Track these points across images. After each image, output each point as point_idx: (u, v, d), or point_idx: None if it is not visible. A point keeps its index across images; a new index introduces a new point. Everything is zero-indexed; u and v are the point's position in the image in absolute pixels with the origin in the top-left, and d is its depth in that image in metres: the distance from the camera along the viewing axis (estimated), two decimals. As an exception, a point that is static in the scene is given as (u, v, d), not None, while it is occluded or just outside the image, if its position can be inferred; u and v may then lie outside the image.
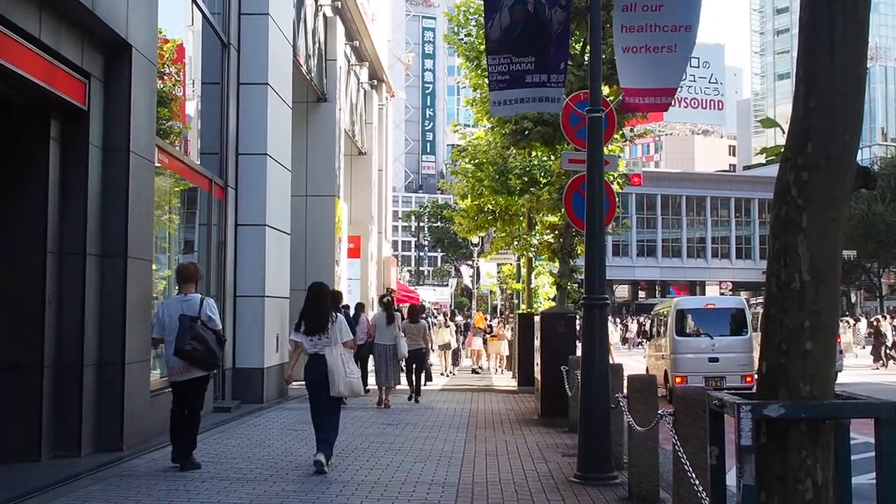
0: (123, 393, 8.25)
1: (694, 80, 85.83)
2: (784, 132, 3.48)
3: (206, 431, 9.25)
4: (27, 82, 7.06)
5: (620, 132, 15.75)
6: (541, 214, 17.59)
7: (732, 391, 3.66)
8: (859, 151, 3.48)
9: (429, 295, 58.20)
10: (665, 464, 6.77)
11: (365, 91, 24.16)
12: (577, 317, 12.02)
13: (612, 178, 14.73)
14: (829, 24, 3.31)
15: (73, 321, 7.93)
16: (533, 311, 17.90)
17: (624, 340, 43.78)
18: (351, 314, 14.16)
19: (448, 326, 23.89)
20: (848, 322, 34.29)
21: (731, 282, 58.50)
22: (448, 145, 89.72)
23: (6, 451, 7.43)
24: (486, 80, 11.06)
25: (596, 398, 7.39)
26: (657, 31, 7.42)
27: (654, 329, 18.08)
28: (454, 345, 23.75)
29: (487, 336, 24.58)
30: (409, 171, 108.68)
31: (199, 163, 11.83)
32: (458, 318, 31.63)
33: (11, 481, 6.72)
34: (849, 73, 3.31)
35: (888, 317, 31.10)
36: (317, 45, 17.66)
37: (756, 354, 8.18)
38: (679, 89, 8.40)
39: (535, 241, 17.96)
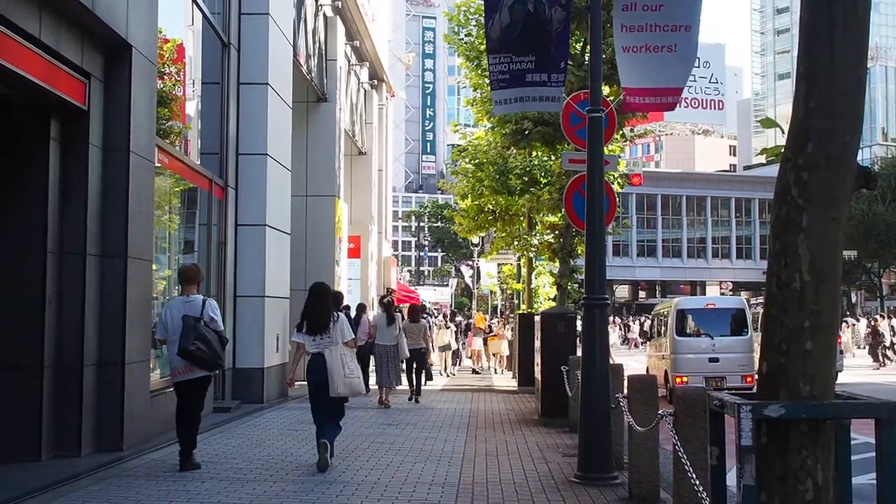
0: (123, 393, 8.25)
1: (694, 80, 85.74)
2: (784, 132, 3.48)
3: (206, 431, 9.25)
4: (27, 82, 7.06)
5: (621, 132, 15.74)
6: (541, 214, 17.59)
7: (733, 391, 3.66)
8: (860, 151, 3.48)
9: (429, 295, 58.24)
10: (665, 464, 6.76)
11: (365, 91, 24.15)
12: (578, 317, 12.01)
13: (612, 178, 14.73)
14: (830, 24, 3.30)
15: (73, 321, 7.93)
16: (533, 311, 17.90)
17: (625, 340, 43.79)
18: (352, 315, 14.16)
19: (448, 327, 23.88)
20: (847, 322, 34.30)
21: (732, 282, 58.47)
22: (448, 145, 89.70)
23: (6, 451, 7.43)
24: (487, 80, 11.07)
25: (596, 398, 7.39)
26: (657, 31, 7.41)
27: (655, 329, 18.08)
28: (454, 346, 23.74)
29: (487, 336, 24.59)
30: (410, 171, 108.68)
31: (199, 163, 11.83)
32: (459, 319, 31.60)
33: (11, 481, 6.72)
34: (849, 73, 3.31)
35: (886, 317, 31.09)
36: (317, 45, 17.66)
37: (756, 355, 8.17)
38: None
39: (535, 241, 17.96)
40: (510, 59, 7.69)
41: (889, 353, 26.98)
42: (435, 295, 62.61)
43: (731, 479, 3.30)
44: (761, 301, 18.75)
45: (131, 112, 8.39)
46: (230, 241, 12.50)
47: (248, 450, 8.65)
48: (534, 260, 19.97)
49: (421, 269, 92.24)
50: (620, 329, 46.34)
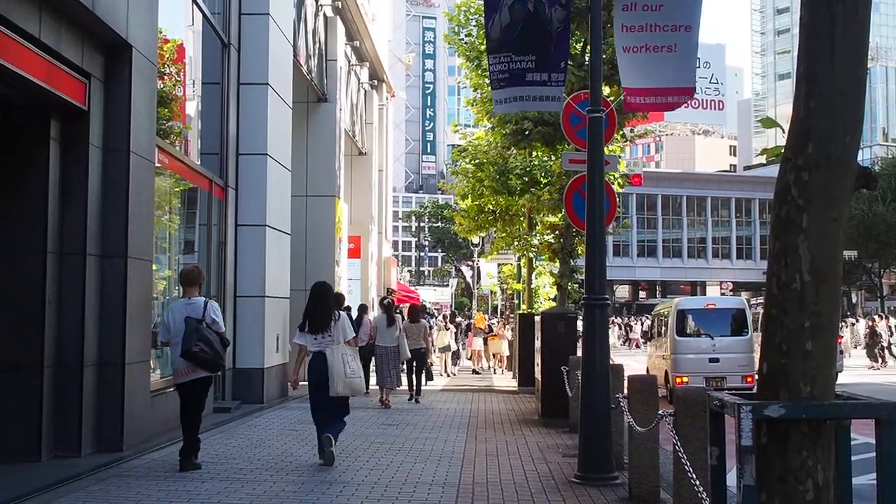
0: (123, 393, 8.24)
1: (695, 81, 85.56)
2: (784, 132, 3.48)
3: (207, 432, 9.24)
4: (27, 82, 7.06)
5: (621, 132, 15.74)
6: (541, 214, 17.59)
7: (733, 391, 3.66)
8: (860, 152, 3.48)
9: (429, 295, 58.25)
10: (665, 464, 6.76)
11: (365, 91, 24.15)
12: (578, 317, 12.01)
13: (612, 178, 14.72)
14: (830, 24, 3.30)
15: (73, 321, 7.93)
16: (533, 311, 17.89)
17: (626, 340, 43.79)
18: (353, 316, 14.16)
19: (448, 329, 23.87)
20: (845, 322, 34.31)
21: (732, 282, 58.51)
22: (448, 145, 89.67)
23: (6, 451, 7.43)
24: (487, 81, 11.07)
25: (596, 398, 7.38)
26: (657, 31, 7.41)
27: (655, 329, 18.08)
28: (454, 347, 23.72)
29: (487, 336, 24.58)
30: (410, 172, 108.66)
31: (199, 163, 11.83)
32: (459, 320, 31.56)
33: (11, 481, 6.72)
34: (849, 74, 3.31)
35: (884, 317, 31.09)
36: (317, 45, 17.66)
37: (757, 355, 8.18)
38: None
39: (535, 242, 17.96)
40: (510, 58, 7.69)
41: (886, 353, 26.99)
42: (435, 295, 62.61)
43: (732, 479, 3.30)
44: (761, 301, 18.76)
45: (131, 112, 8.39)
46: (230, 241, 12.50)
47: (248, 450, 8.65)
48: (534, 260, 19.97)
49: (421, 269, 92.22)
50: (621, 329, 46.36)
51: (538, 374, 12.57)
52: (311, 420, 8.07)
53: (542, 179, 16.60)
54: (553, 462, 8.34)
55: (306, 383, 8.14)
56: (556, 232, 16.47)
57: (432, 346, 19.71)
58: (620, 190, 17.44)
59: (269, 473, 7.36)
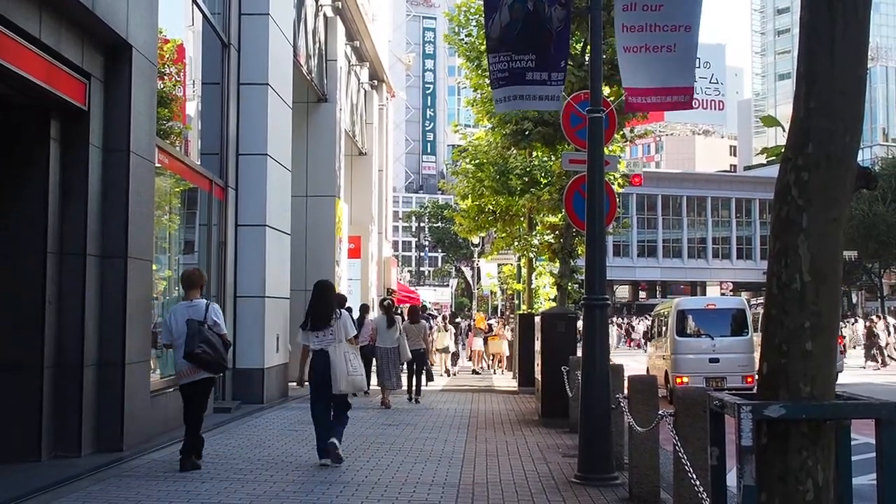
0: (123, 393, 8.24)
1: (695, 81, 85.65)
2: (785, 131, 3.48)
3: (207, 432, 9.22)
4: (27, 82, 7.06)
5: (621, 132, 15.75)
6: (541, 215, 17.59)
7: (733, 392, 3.66)
8: (860, 152, 3.47)
9: (429, 295, 58.24)
10: (666, 464, 6.76)
11: (365, 91, 24.15)
12: (578, 317, 12.01)
13: (612, 178, 14.72)
14: (830, 24, 3.30)
15: (73, 321, 7.93)
16: (533, 311, 17.90)
17: (628, 340, 43.80)
18: (355, 316, 14.15)
19: (447, 330, 23.87)
20: (845, 322, 34.32)
21: (732, 282, 58.51)
22: (448, 145, 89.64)
23: (6, 451, 7.43)
24: (487, 81, 11.07)
25: (596, 399, 7.38)
26: (657, 31, 7.41)
27: (655, 329, 18.07)
28: (453, 348, 23.71)
29: (487, 336, 24.57)
30: (410, 172, 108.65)
31: (199, 163, 11.83)
32: (459, 320, 31.55)
33: (11, 481, 6.72)
34: (849, 74, 3.31)
35: (882, 318, 31.10)
36: (317, 45, 17.66)
37: (757, 355, 8.19)
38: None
39: (535, 242, 17.97)
40: (510, 57, 7.69)
41: (885, 353, 27.00)
42: (435, 295, 62.61)
43: (732, 479, 3.29)
44: (762, 301, 18.76)
45: (131, 112, 8.39)
46: (230, 241, 12.50)
47: (248, 450, 8.65)
48: (534, 260, 19.97)
49: (421, 269, 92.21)
50: (622, 329, 46.35)
51: (538, 375, 12.57)
52: (311, 420, 8.07)
53: (542, 179, 16.61)
54: (553, 462, 8.34)
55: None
56: (556, 232, 16.47)
57: (432, 346, 19.71)
58: (620, 190, 17.44)
59: (269, 473, 7.36)
